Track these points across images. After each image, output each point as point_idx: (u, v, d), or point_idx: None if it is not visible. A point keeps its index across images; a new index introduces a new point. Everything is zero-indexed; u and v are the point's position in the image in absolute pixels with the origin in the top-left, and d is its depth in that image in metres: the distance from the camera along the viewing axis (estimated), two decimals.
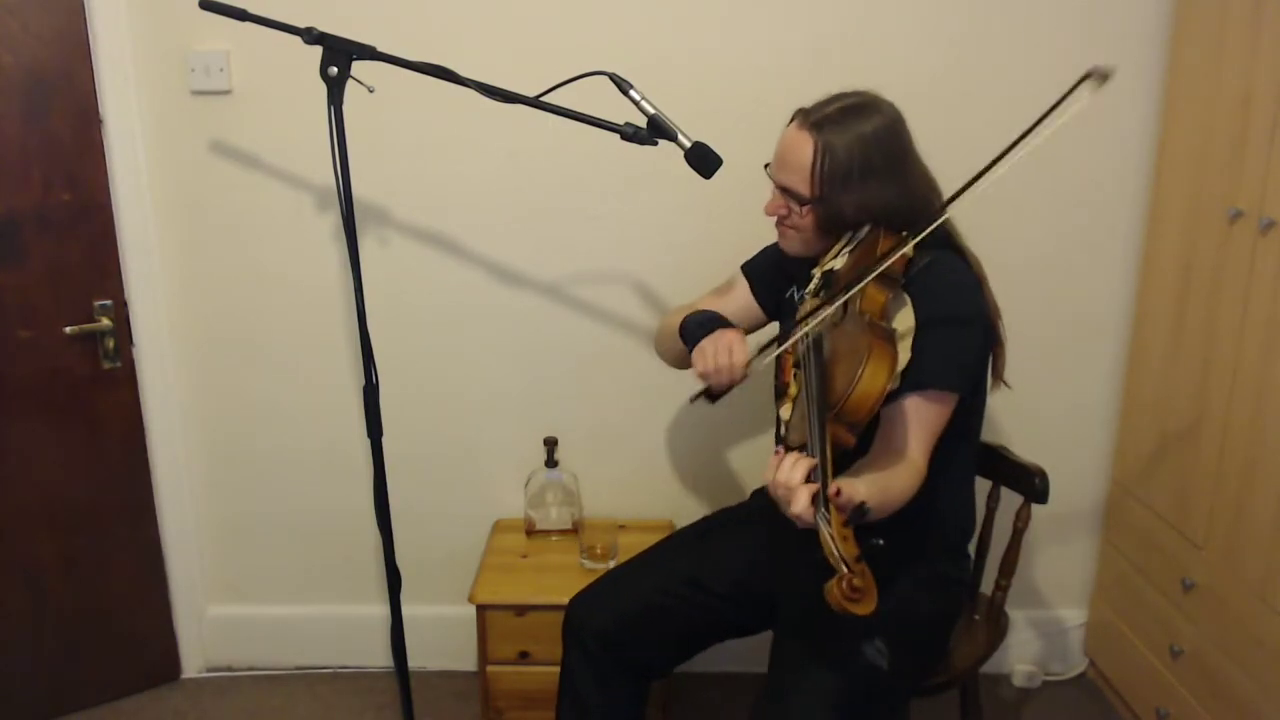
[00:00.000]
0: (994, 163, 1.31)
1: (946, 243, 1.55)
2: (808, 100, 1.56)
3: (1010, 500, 1.81)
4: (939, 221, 1.38)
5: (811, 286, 1.58)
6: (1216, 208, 1.86)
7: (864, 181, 1.47)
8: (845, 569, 1.11)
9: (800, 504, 1.17)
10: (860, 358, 1.26)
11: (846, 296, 1.38)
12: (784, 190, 1.55)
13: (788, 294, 1.74)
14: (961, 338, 1.48)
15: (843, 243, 1.56)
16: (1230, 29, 1.82)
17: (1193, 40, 1.95)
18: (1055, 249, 2.17)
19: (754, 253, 1.82)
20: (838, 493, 1.16)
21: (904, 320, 1.44)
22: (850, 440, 1.28)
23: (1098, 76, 1.25)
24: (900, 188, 1.49)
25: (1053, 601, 2.43)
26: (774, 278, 1.76)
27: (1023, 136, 1.30)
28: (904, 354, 1.40)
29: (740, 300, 1.80)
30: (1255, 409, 1.75)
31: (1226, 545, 1.83)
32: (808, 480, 1.18)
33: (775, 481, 1.21)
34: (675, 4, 2.05)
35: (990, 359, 1.57)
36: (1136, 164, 2.13)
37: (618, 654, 1.67)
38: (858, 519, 1.18)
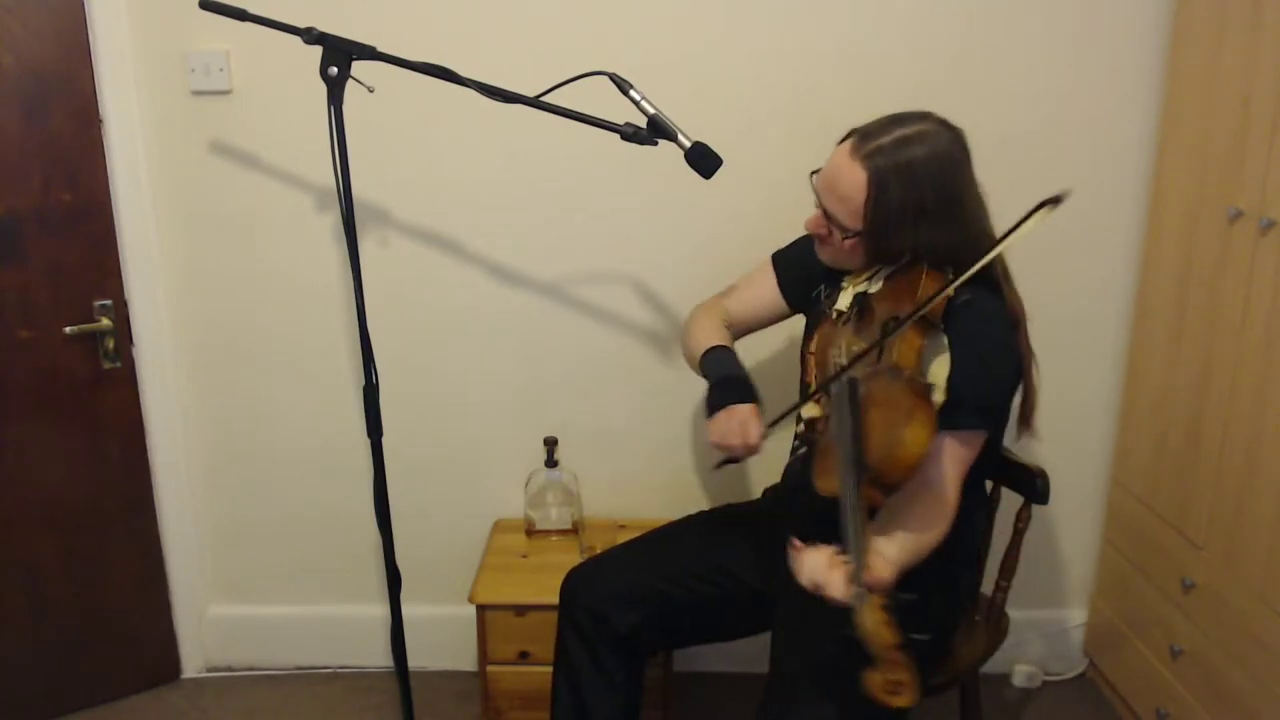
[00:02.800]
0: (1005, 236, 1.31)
1: (989, 283, 1.48)
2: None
3: (1010, 500, 1.81)
4: (947, 291, 1.35)
5: (843, 305, 1.54)
6: (1216, 208, 1.86)
7: (915, 223, 1.41)
8: (882, 660, 1.10)
9: (837, 590, 1.18)
10: (900, 418, 1.24)
11: (884, 343, 1.35)
12: (828, 214, 1.49)
13: (814, 293, 1.70)
14: (994, 378, 1.46)
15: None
16: (1230, 29, 1.82)
17: (1193, 40, 1.95)
18: (1055, 248, 2.17)
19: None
20: (875, 581, 1.16)
21: (940, 366, 1.41)
22: (882, 500, 1.27)
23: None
24: (951, 229, 1.42)
25: (1053, 601, 2.42)
26: (803, 272, 1.72)
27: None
28: (938, 396, 1.39)
29: (765, 290, 1.77)
30: (1255, 409, 1.74)
31: (1226, 545, 1.83)
32: (841, 554, 1.19)
33: (804, 580, 1.22)
34: (675, 4, 2.04)
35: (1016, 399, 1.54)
36: (1136, 164, 2.13)
37: (606, 626, 1.68)
38: (894, 605, 1.17)
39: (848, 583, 1.16)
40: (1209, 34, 1.89)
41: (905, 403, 1.26)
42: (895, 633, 1.11)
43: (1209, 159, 1.89)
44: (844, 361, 1.39)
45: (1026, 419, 1.55)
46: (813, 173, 1.53)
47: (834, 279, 1.62)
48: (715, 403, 1.56)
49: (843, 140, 1.48)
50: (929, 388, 1.34)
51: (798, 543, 1.26)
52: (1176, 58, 2.01)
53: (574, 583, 1.74)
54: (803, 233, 1.65)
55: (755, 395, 1.56)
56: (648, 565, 1.72)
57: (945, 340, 1.41)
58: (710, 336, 1.70)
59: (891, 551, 1.26)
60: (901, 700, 1.08)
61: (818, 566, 1.20)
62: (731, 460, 1.56)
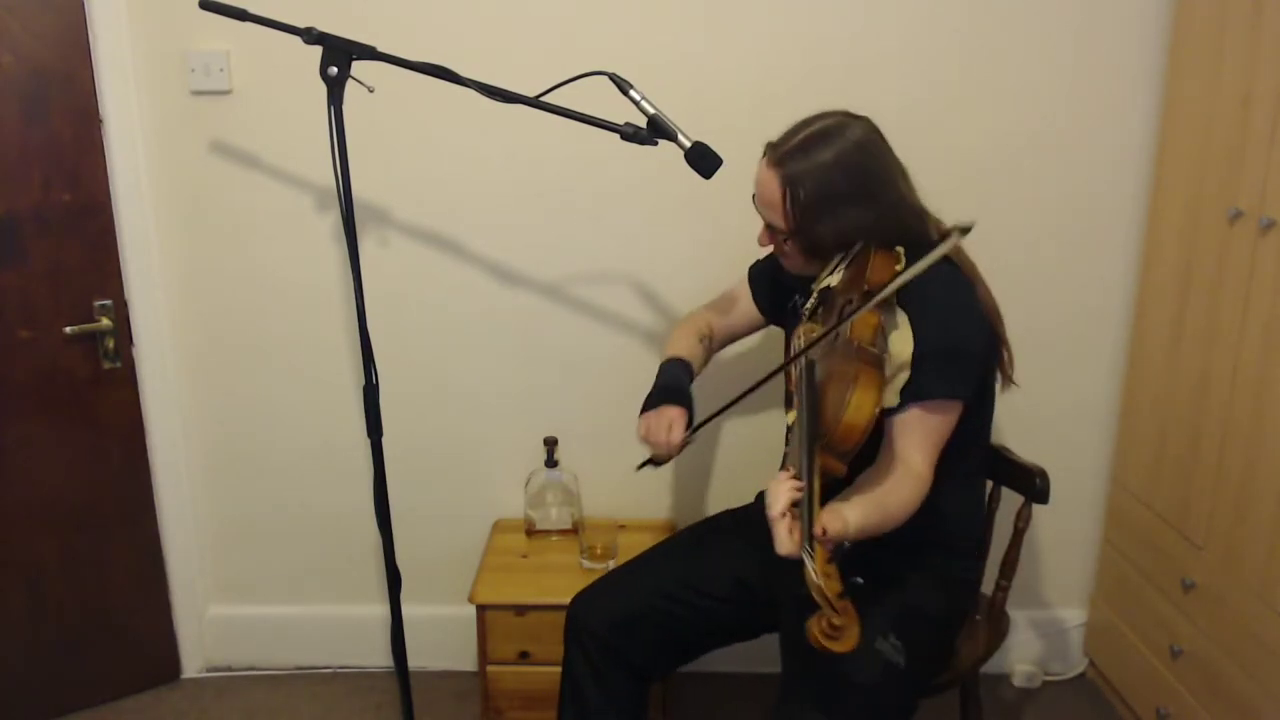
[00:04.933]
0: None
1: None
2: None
3: (1010, 500, 1.81)
4: (902, 280, 1.28)
5: (808, 305, 1.60)
6: (1216, 208, 1.86)
7: (834, 210, 1.49)
8: (827, 607, 1.13)
9: (781, 541, 1.21)
10: (847, 386, 1.27)
11: (839, 327, 1.36)
12: (768, 225, 1.59)
13: (790, 303, 1.76)
14: (960, 344, 1.47)
15: (837, 259, 1.58)
16: (1230, 29, 1.82)
17: (1193, 40, 1.95)
18: (1055, 249, 2.17)
19: (756, 252, 1.82)
20: (823, 532, 1.19)
21: (901, 339, 1.43)
22: (841, 468, 1.29)
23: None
24: (874, 209, 1.49)
25: (1053, 601, 2.43)
26: (775, 284, 1.80)
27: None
28: (903, 374, 1.42)
29: (742, 302, 1.88)
30: (1255, 409, 1.74)
31: (1226, 545, 1.83)
32: (794, 509, 1.21)
33: (767, 509, 1.24)
34: (675, 4, 2.04)
35: (995, 361, 1.57)
36: (1136, 164, 2.13)
37: (615, 654, 1.68)
38: (839, 555, 1.22)
39: (795, 538, 1.19)
40: (1209, 34, 1.89)
41: (851, 369, 1.29)
42: (837, 582, 1.15)
43: (1209, 159, 1.89)
44: (801, 346, 1.43)
45: (1006, 372, 1.60)
46: (753, 196, 1.60)
47: (808, 287, 1.67)
48: (648, 404, 1.69)
49: (762, 157, 1.56)
50: (881, 356, 1.36)
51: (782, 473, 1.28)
52: (1176, 58, 2.01)
53: (580, 609, 1.73)
54: None
55: (687, 403, 1.68)
56: (652, 586, 1.71)
57: (902, 315, 1.45)
58: (676, 348, 1.81)
59: (850, 512, 1.28)
60: (840, 645, 1.12)
61: (774, 507, 1.23)
62: (653, 462, 1.68)
